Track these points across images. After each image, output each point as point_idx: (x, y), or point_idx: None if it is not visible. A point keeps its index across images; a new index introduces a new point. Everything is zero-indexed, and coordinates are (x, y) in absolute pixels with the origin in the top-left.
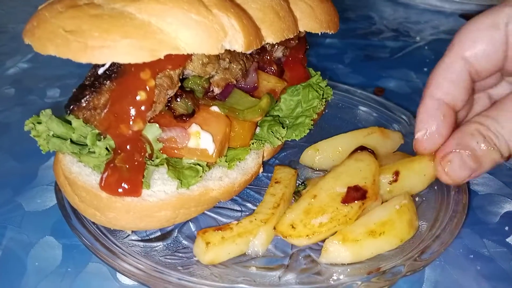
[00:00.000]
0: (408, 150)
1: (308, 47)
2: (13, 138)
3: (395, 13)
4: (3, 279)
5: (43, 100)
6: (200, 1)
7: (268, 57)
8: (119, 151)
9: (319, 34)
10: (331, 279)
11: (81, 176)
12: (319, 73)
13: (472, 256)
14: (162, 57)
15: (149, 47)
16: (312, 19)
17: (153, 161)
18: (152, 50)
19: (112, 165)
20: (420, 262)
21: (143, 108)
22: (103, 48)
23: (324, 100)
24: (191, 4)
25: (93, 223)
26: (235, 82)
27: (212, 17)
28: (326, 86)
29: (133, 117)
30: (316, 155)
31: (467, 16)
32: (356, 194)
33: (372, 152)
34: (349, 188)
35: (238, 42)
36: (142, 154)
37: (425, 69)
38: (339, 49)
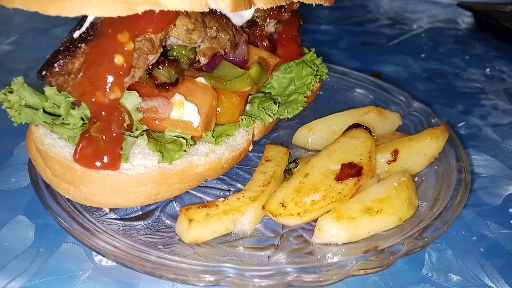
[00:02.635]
0: (406, 131)
1: (301, 23)
2: None
3: (391, 2)
4: None
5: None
6: None
7: (260, 32)
8: (95, 120)
9: (313, 5)
10: (324, 258)
11: (54, 148)
12: (313, 50)
13: (475, 238)
14: (140, 13)
15: None
16: None
17: (132, 132)
18: (127, 3)
19: (87, 135)
20: (420, 240)
21: (120, 73)
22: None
23: (318, 77)
24: None
25: (68, 200)
26: (223, 53)
27: None
28: (320, 64)
29: (109, 83)
30: (310, 134)
31: (466, 6)
32: (350, 170)
33: (368, 129)
34: (343, 165)
35: (224, 0)
36: (120, 124)
37: (423, 55)
38: (335, 35)
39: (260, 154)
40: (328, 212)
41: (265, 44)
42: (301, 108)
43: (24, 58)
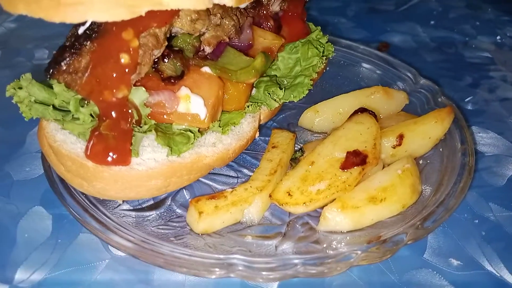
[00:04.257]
0: (412, 110)
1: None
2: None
3: None
4: None
5: (31, 62)
6: None
7: (264, 12)
8: (104, 118)
9: None
10: (329, 249)
11: (66, 144)
12: (319, 28)
13: (477, 221)
14: (143, 14)
15: (128, 2)
16: None
17: (141, 127)
18: (131, 6)
19: (97, 133)
20: (422, 230)
21: (126, 71)
22: (77, 6)
23: (324, 57)
24: None
25: (82, 193)
26: (227, 39)
27: None
28: (327, 42)
29: (116, 82)
30: (316, 117)
31: None
32: (355, 159)
33: (373, 114)
34: (348, 153)
35: None
36: (129, 120)
37: (432, 22)
38: (342, 1)
39: (267, 138)
40: (333, 201)
41: (270, 25)
42: (307, 91)
43: (29, 36)
